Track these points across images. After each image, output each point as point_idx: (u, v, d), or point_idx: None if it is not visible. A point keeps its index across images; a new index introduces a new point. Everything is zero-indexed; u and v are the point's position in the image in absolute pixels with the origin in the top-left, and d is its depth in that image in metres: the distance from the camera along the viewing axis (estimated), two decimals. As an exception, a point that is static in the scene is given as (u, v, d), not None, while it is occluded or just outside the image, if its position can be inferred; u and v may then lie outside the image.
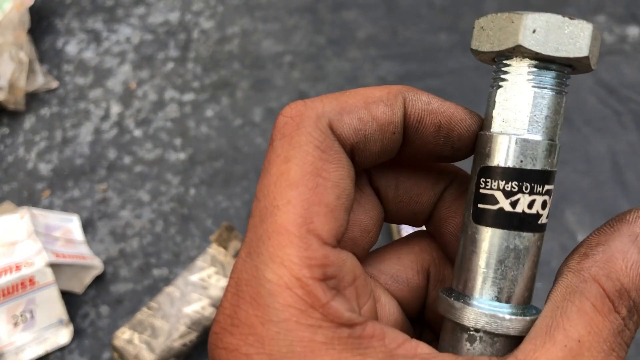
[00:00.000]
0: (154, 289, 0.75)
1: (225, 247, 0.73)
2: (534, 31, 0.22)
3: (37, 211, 0.78)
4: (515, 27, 0.22)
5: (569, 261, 0.22)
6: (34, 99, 0.95)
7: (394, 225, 0.75)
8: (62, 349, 0.71)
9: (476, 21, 0.24)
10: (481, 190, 0.23)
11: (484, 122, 0.24)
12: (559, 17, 0.22)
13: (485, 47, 0.23)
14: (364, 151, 0.23)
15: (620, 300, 0.20)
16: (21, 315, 0.69)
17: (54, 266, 0.69)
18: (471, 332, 0.23)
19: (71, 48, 1.01)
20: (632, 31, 0.94)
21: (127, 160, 0.88)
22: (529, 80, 0.22)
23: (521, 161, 0.22)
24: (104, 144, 0.90)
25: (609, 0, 0.98)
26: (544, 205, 0.23)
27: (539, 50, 0.22)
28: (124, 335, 0.66)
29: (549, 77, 0.23)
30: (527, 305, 0.23)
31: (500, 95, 0.23)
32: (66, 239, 0.77)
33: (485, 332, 0.22)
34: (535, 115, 0.22)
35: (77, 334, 0.72)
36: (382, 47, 0.97)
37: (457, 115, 0.24)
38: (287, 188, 0.21)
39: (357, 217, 0.26)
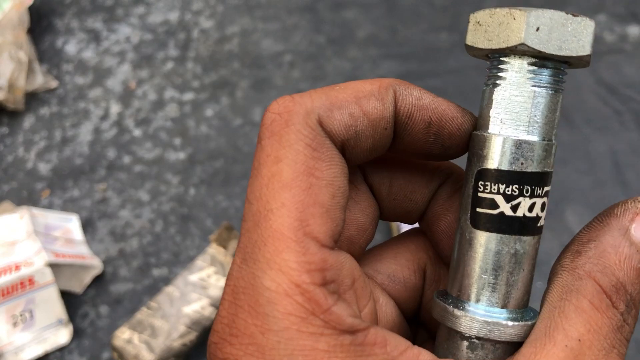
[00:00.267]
0: (154, 289, 0.75)
1: (224, 247, 0.73)
2: (537, 29, 0.21)
3: (36, 211, 0.78)
4: (518, 24, 0.21)
5: (562, 260, 0.22)
6: (33, 98, 0.95)
7: (393, 224, 0.75)
8: (61, 349, 0.71)
9: (471, 15, 0.23)
10: (479, 194, 0.22)
11: (479, 122, 0.23)
12: (562, 14, 0.21)
13: (483, 44, 0.22)
14: (355, 147, 0.23)
15: (618, 295, 0.20)
16: (20, 315, 0.69)
17: (54, 266, 0.69)
18: (473, 340, 0.22)
19: (71, 48, 1.01)
20: (633, 30, 0.94)
21: (126, 159, 0.88)
22: (528, 79, 0.22)
23: (522, 163, 0.21)
24: (104, 143, 0.90)
25: (609, -1, 0.98)
26: (543, 207, 0.22)
27: (542, 49, 0.21)
28: (123, 335, 0.66)
29: (547, 75, 0.22)
30: (525, 309, 0.23)
31: (498, 95, 0.22)
32: (66, 238, 0.77)
33: (485, 338, 0.22)
34: (535, 116, 0.22)
35: (77, 333, 0.72)
36: (382, 46, 0.97)
37: (449, 113, 0.23)
38: (280, 190, 0.20)
39: (354, 215, 0.25)
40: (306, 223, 0.20)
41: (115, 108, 0.93)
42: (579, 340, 0.19)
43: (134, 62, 0.99)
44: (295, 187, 0.20)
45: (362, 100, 0.22)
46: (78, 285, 0.75)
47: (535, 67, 0.22)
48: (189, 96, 0.94)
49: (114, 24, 1.04)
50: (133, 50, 1.00)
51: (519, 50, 0.21)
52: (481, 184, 0.22)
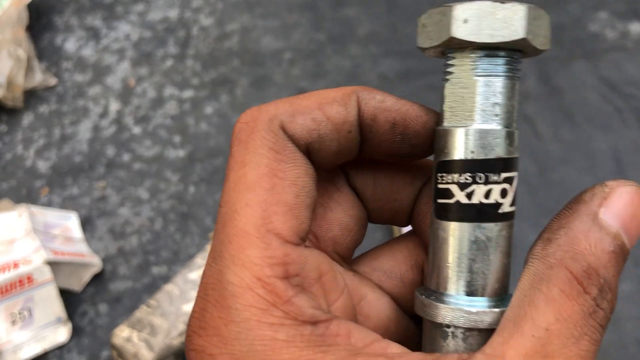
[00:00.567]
0: (153, 287, 0.75)
1: (224, 245, 0.72)
2: (465, 21, 0.21)
3: (35, 209, 0.77)
4: (447, 19, 0.22)
5: (533, 248, 0.22)
6: (32, 96, 0.94)
7: (395, 228, 0.75)
8: (60, 348, 0.71)
9: (419, 19, 0.24)
10: (439, 185, 0.23)
11: (439, 118, 0.24)
12: (489, 3, 0.21)
13: (426, 44, 0.23)
14: (321, 150, 0.24)
15: (590, 280, 0.20)
16: (19, 314, 0.69)
17: (53, 264, 0.69)
18: (443, 329, 0.22)
19: (70, 45, 1.01)
20: (634, 27, 0.94)
21: (126, 157, 0.87)
22: (472, 69, 0.22)
23: (472, 152, 0.22)
24: (103, 141, 0.89)
25: (611, -4, 0.97)
26: (503, 193, 0.22)
27: (473, 39, 0.21)
28: (122, 334, 0.66)
29: (493, 64, 0.22)
30: (500, 297, 0.23)
31: (448, 89, 0.23)
32: (65, 236, 0.76)
33: (457, 327, 0.22)
34: (482, 104, 0.22)
35: (76, 332, 0.72)
36: (383, 44, 0.97)
37: (412, 112, 0.24)
38: (244, 191, 0.22)
39: (336, 216, 0.26)
40: (269, 220, 0.21)
41: (114, 106, 0.93)
42: (547, 329, 0.19)
43: (133, 59, 0.98)
44: (258, 187, 0.22)
45: (325, 106, 0.23)
46: (77, 284, 0.75)
47: (477, 58, 0.22)
48: (188, 94, 0.93)
49: (114, 22, 1.03)
50: (132, 48, 1.00)
51: (453, 44, 0.22)
52: (440, 176, 0.23)
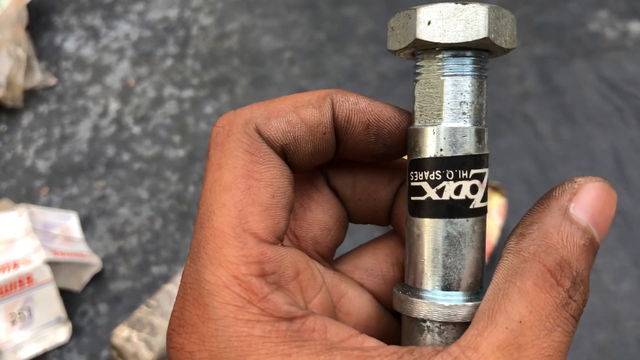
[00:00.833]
0: (153, 287, 0.75)
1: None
2: (428, 23, 0.22)
3: (35, 208, 0.77)
4: (412, 22, 0.22)
5: (507, 243, 0.22)
6: (32, 95, 0.94)
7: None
8: (60, 347, 0.71)
9: (388, 22, 0.24)
10: (412, 183, 0.23)
11: (411, 118, 0.25)
12: (452, 4, 0.22)
13: (395, 46, 0.24)
14: (297, 152, 0.24)
15: (562, 273, 0.21)
16: (19, 313, 0.69)
17: (52, 264, 0.69)
18: (420, 323, 0.23)
19: (69, 45, 1.01)
20: (634, 27, 0.94)
21: (125, 157, 0.87)
22: (439, 70, 0.23)
23: (440, 149, 0.23)
24: (103, 141, 0.89)
25: (611, -5, 0.97)
26: (473, 189, 0.23)
27: (437, 40, 0.22)
28: (122, 333, 0.66)
29: (459, 63, 0.23)
30: (474, 291, 0.23)
31: (417, 89, 0.24)
32: (64, 236, 0.76)
33: (432, 321, 0.23)
34: (450, 103, 0.23)
35: (76, 332, 0.72)
36: (383, 43, 0.97)
37: (385, 114, 0.25)
38: (221, 192, 0.22)
39: (316, 216, 0.27)
40: (245, 220, 0.22)
41: (114, 105, 0.93)
42: (520, 321, 0.20)
43: (133, 59, 0.98)
44: (234, 188, 0.22)
45: (299, 109, 0.24)
46: (77, 283, 0.74)
47: (443, 58, 0.23)
48: (188, 93, 0.93)
49: (113, 21, 1.03)
50: (132, 47, 1.00)
51: (419, 46, 0.23)
52: (412, 174, 0.23)
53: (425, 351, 0.20)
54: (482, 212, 0.23)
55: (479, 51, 0.23)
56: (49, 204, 0.83)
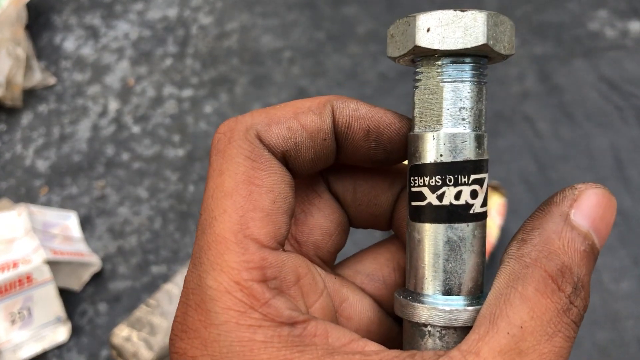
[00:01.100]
0: (153, 286, 0.75)
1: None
2: (428, 30, 0.22)
3: (34, 208, 0.77)
4: (412, 29, 0.23)
5: (508, 248, 0.23)
6: (31, 95, 0.94)
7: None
8: (60, 347, 0.71)
9: (388, 30, 0.25)
10: (412, 189, 0.24)
11: (411, 124, 0.25)
12: (450, 12, 0.22)
13: (394, 53, 0.24)
14: (297, 158, 0.24)
15: (564, 279, 0.21)
16: (19, 313, 0.68)
17: (52, 263, 0.69)
18: (421, 328, 0.23)
19: (69, 44, 1.01)
20: (634, 26, 0.94)
21: (125, 156, 0.87)
22: (438, 76, 0.23)
23: (440, 155, 0.23)
24: (102, 140, 0.89)
25: (610, -5, 0.97)
26: (473, 194, 0.23)
27: (437, 47, 0.22)
28: (122, 333, 0.66)
29: (458, 70, 0.23)
30: (475, 296, 0.23)
31: (417, 95, 0.24)
32: (64, 236, 0.76)
33: (433, 326, 0.23)
34: (448, 109, 0.23)
35: (75, 331, 0.72)
36: (383, 42, 0.97)
37: (385, 120, 0.25)
38: (222, 199, 0.22)
39: (317, 221, 0.27)
40: (246, 226, 0.22)
41: (113, 105, 0.93)
42: (521, 327, 0.20)
43: (132, 58, 0.98)
44: (236, 194, 0.22)
45: (300, 116, 0.24)
46: (76, 283, 0.74)
47: (443, 65, 0.23)
48: (187, 93, 0.93)
49: (113, 21, 1.03)
50: (131, 47, 1.00)
51: (418, 52, 0.23)
52: (412, 180, 0.24)
53: (427, 355, 0.20)
54: (482, 216, 0.23)
55: (478, 57, 0.23)
56: (48, 204, 0.83)
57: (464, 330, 0.22)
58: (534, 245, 0.21)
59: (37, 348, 0.70)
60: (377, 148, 0.25)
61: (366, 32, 0.98)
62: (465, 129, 0.23)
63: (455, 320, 0.22)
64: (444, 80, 0.23)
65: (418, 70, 0.24)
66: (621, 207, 0.77)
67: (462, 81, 0.23)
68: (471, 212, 0.23)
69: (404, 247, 0.28)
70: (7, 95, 0.90)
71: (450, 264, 0.23)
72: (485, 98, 0.24)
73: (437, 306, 0.23)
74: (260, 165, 0.23)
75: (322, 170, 0.27)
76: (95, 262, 0.75)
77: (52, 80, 0.96)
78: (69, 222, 0.79)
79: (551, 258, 0.21)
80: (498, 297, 0.21)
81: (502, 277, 0.22)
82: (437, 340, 0.23)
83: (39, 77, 0.94)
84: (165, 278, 0.75)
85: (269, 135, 0.24)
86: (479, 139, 0.23)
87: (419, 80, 0.24)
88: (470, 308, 0.22)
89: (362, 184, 0.28)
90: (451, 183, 0.23)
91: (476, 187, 0.23)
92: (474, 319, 0.22)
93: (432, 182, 0.23)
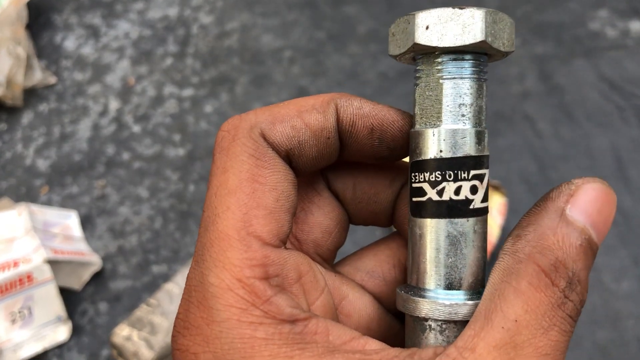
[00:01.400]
0: (153, 286, 0.75)
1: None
2: (427, 27, 0.23)
3: (35, 207, 0.77)
4: (411, 27, 0.23)
5: (504, 245, 0.23)
6: (32, 94, 0.94)
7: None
8: (60, 346, 0.71)
9: (389, 29, 0.25)
10: (413, 185, 0.24)
11: (412, 121, 0.25)
12: (449, 9, 0.22)
13: (395, 51, 0.24)
14: (301, 156, 0.25)
15: (557, 273, 0.21)
16: (19, 312, 0.68)
17: (52, 263, 0.69)
18: (422, 322, 0.23)
19: (69, 43, 1.01)
20: (635, 26, 0.93)
21: (125, 156, 0.87)
22: (437, 73, 0.23)
23: (440, 151, 0.23)
24: (103, 140, 0.89)
25: (611, -6, 0.97)
26: (473, 190, 0.23)
27: (435, 44, 0.23)
28: (122, 332, 0.66)
29: (457, 67, 0.23)
30: (476, 290, 0.24)
31: (417, 92, 0.24)
32: (64, 235, 0.76)
33: (434, 320, 0.23)
34: (448, 106, 0.23)
35: (76, 331, 0.72)
36: (383, 42, 0.97)
37: (389, 117, 0.25)
38: (225, 196, 0.22)
39: (317, 219, 0.27)
40: (249, 223, 0.22)
41: (114, 104, 0.93)
42: (516, 321, 0.20)
43: (133, 58, 0.98)
44: (239, 192, 0.22)
45: (304, 114, 0.24)
46: (77, 282, 0.74)
47: (440, 62, 0.23)
48: (188, 92, 0.93)
49: (113, 20, 1.03)
50: (132, 46, 1.00)
51: (418, 50, 0.23)
52: (413, 176, 0.24)
53: (425, 354, 0.20)
54: (482, 212, 0.23)
55: (477, 54, 0.24)
56: (49, 203, 0.83)
57: (464, 325, 0.22)
58: (528, 241, 0.21)
59: (37, 347, 0.70)
60: (381, 145, 0.26)
61: (366, 32, 0.98)
62: (465, 125, 0.23)
63: (455, 314, 0.22)
64: (444, 77, 0.23)
65: (418, 67, 0.24)
66: (621, 207, 0.77)
67: (461, 78, 0.23)
68: (471, 207, 0.23)
69: (406, 243, 0.28)
70: (7, 95, 0.90)
71: (450, 258, 0.23)
72: (486, 95, 0.24)
73: (438, 300, 0.23)
74: (264, 164, 0.23)
75: (322, 168, 0.27)
76: (95, 261, 0.75)
77: (52, 80, 0.96)
78: (70, 221, 0.79)
79: (545, 253, 0.21)
80: (492, 292, 0.21)
81: (496, 272, 0.22)
82: (438, 334, 0.23)
83: (39, 76, 0.94)
84: (166, 277, 0.75)
85: (273, 133, 0.24)
86: (478, 135, 0.23)
87: (419, 77, 0.24)
88: (470, 302, 0.22)
89: (362, 181, 0.28)
90: (451, 178, 0.23)
91: (476, 182, 0.23)
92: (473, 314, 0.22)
93: (432, 177, 0.23)
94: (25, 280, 0.67)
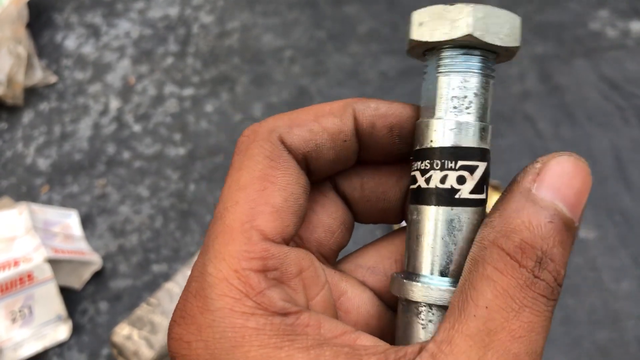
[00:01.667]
0: (154, 285, 0.75)
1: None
2: (420, 24, 0.24)
3: (35, 206, 0.77)
4: (409, 25, 0.24)
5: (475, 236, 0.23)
6: (32, 93, 0.94)
7: (396, 226, 0.75)
8: (60, 345, 0.71)
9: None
10: (411, 173, 0.25)
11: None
12: (440, 6, 0.23)
13: (406, 48, 0.26)
14: (319, 159, 0.25)
15: (524, 254, 0.20)
16: (20, 311, 0.69)
17: (53, 262, 0.69)
18: (411, 306, 0.24)
19: (70, 42, 1.01)
20: (635, 26, 0.93)
21: (126, 155, 0.87)
22: (436, 67, 0.24)
23: (431, 141, 0.24)
24: (103, 139, 0.89)
25: (611, -6, 0.97)
26: (460, 180, 0.23)
27: (426, 40, 0.24)
28: (123, 332, 0.66)
29: (452, 61, 0.24)
30: (458, 279, 0.24)
31: (423, 86, 0.25)
32: (65, 234, 0.76)
33: (424, 304, 0.23)
34: (441, 98, 0.24)
35: (76, 330, 0.72)
36: (383, 41, 0.97)
37: (405, 114, 0.26)
38: (236, 191, 0.23)
39: (320, 219, 0.28)
40: (254, 218, 0.23)
41: (114, 103, 0.93)
42: (486, 307, 0.20)
43: (133, 57, 0.98)
44: (249, 188, 0.23)
45: (321, 118, 0.25)
46: (77, 281, 0.75)
47: (441, 57, 0.24)
48: (188, 91, 0.93)
49: (114, 19, 1.03)
50: (133, 46, 1.00)
51: (415, 46, 0.24)
52: (412, 164, 0.25)
53: (410, 350, 0.21)
54: (470, 203, 0.24)
55: (472, 49, 0.24)
56: (49, 202, 0.83)
57: (445, 310, 0.23)
58: (493, 227, 0.21)
59: (37, 346, 0.70)
60: (401, 143, 0.26)
61: (367, 32, 0.98)
62: (456, 117, 0.24)
63: (440, 299, 0.23)
64: (439, 71, 0.24)
65: (425, 63, 0.25)
66: (621, 207, 0.77)
67: (456, 72, 0.24)
68: (457, 196, 0.23)
69: None
70: (8, 94, 0.90)
71: (437, 245, 0.24)
72: (486, 89, 0.25)
73: (428, 285, 0.23)
74: (278, 165, 0.24)
75: (339, 172, 0.28)
76: (96, 260, 0.75)
77: (53, 79, 0.96)
78: (70, 220, 0.80)
79: (509, 236, 0.21)
80: (463, 283, 0.21)
81: (466, 264, 0.22)
82: (427, 320, 0.23)
83: (40, 75, 0.94)
84: (166, 277, 0.75)
85: (290, 137, 0.24)
86: (467, 127, 0.24)
87: (425, 72, 0.25)
88: (453, 288, 0.23)
89: (369, 180, 0.28)
90: (437, 167, 0.24)
91: (464, 173, 0.23)
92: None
93: (422, 166, 0.24)
94: (25, 280, 0.67)
